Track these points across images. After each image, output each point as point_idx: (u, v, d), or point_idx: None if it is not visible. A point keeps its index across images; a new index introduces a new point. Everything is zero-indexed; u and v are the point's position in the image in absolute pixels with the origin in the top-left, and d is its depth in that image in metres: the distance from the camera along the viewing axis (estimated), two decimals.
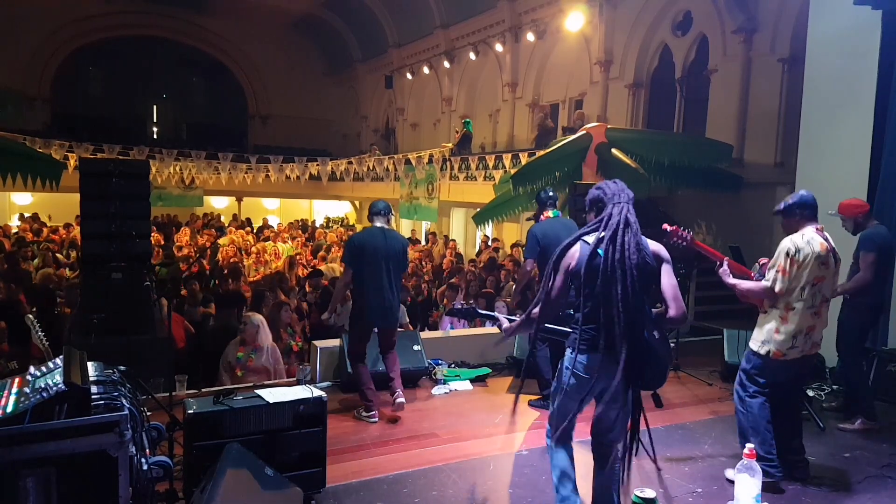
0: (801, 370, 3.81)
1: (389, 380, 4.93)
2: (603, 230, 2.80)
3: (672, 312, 2.81)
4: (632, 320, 2.69)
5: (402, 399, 4.84)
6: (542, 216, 5.19)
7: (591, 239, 2.84)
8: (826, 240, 3.70)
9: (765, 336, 3.70)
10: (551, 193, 5.26)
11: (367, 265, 4.70)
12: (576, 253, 2.83)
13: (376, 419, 4.71)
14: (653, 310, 2.88)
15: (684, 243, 3.79)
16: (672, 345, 6.52)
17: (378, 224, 4.86)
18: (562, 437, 3.01)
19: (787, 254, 3.61)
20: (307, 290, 8.37)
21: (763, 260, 3.91)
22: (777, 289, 3.63)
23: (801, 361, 3.72)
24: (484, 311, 3.64)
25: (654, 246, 2.89)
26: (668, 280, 2.84)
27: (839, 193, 5.04)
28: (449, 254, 12.85)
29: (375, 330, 4.93)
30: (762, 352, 3.70)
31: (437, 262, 12.25)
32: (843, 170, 6.05)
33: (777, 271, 3.64)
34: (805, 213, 3.74)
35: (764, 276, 3.72)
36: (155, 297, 5.75)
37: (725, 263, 3.86)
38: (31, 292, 7.42)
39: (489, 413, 4.98)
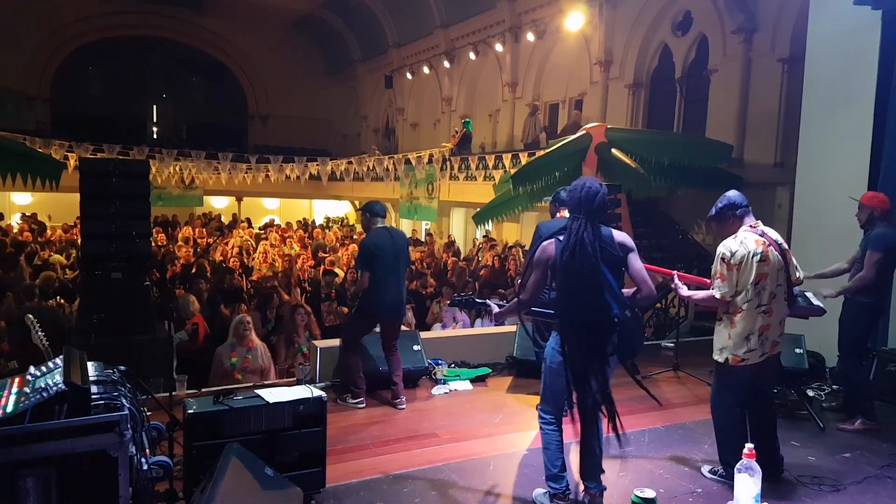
0: (765, 373, 3.74)
1: (392, 383, 5.01)
2: (563, 244, 3.16)
3: (643, 292, 3.23)
4: (592, 313, 3.10)
5: (403, 406, 4.97)
6: (557, 214, 5.18)
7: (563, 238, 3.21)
8: (763, 235, 3.62)
9: (720, 343, 3.68)
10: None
11: (381, 265, 4.88)
12: (552, 251, 3.21)
13: (363, 405, 4.89)
14: (624, 291, 3.25)
15: None
16: (672, 345, 6.54)
17: (381, 225, 5.05)
18: (555, 416, 3.36)
19: (723, 259, 3.60)
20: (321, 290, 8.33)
21: None
22: (718, 295, 3.61)
23: (764, 364, 3.65)
24: (480, 300, 3.95)
25: (619, 237, 3.26)
26: (635, 266, 3.24)
27: (839, 193, 5.05)
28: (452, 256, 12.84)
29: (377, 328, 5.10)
30: (721, 360, 3.68)
31: (439, 261, 12.27)
32: (843, 170, 6.04)
33: (717, 278, 3.62)
34: (737, 212, 3.71)
35: None
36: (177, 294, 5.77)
37: (676, 277, 3.93)
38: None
39: (489, 413, 4.98)
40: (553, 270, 3.21)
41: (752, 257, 3.54)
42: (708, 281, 3.91)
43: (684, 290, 3.87)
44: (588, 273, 3.07)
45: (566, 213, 5.07)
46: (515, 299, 3.40)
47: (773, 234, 3.69)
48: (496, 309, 3.62)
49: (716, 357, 3.73)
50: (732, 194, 3.78)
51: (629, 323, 3.19)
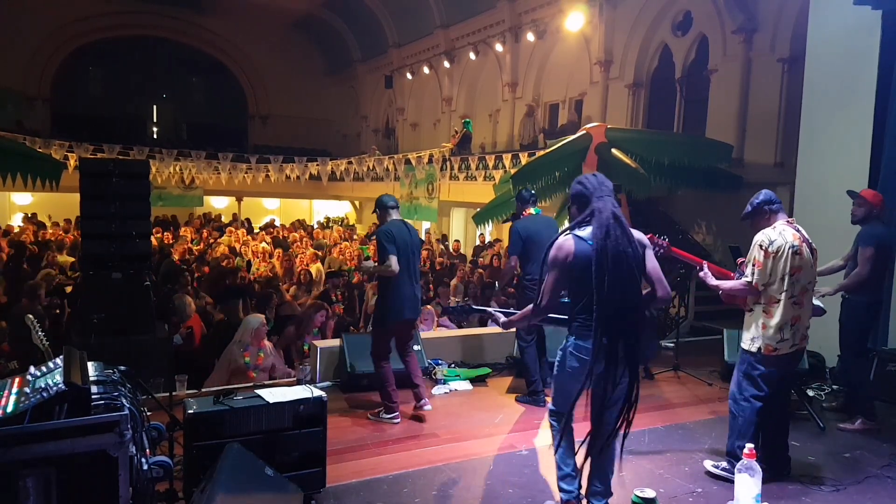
0: (793, 365, 3.82)
1: (414, 385, 4.82)
2: (595, 226, 2.91)
3: (660, 293, 3.03)
4: (628, 307, 2.85)
5: (429, 407, 4.81)
6: (523, 213, 5.26)
7: (582, 233, 2.96)
8: (798, 230, 3.72)
9: (753, 333, 3.72)
10: (533, 192, 5.44)
11: (400, 259, 4.58)
12: (571, 247, 2.95)
13: (398, 420, 4.67)
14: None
15: (661, 251, 4.00)
16: (672, 345, 6.54)
17: (396, 217, 4.77)
18: (566, 423, 3.13)
19: (761, 246, 3.65)
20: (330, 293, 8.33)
21: (741, 260, 3.94)
22: (754, 281, 3.65)
23: (793, 355, 3.73)
24: (479, 307, 3.68)
25: (636, 233, 3.06)
26: (651, 264, 3.06)
27: (839, 193, 5.05)
28: (451, 255, 12.83)
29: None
30: (753, 349, 3.71)
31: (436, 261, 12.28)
32: (844, 170, 6.04)
33: (752, 265, 3.67)
34: (773, 207, 3.78)
35: (743, 275, 3.75)
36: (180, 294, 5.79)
37: (706, 266, 3.95)
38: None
39: (489, 413, 4.98)
40: (572, 269, 2.93)
41: (789, 248, 3.61)
42: (732, 273, 3.94)
43: (712, 280, 3.89)
44: (627, 254, 2.84)
45: (532, 211, 5.27)
46: (530, 306, 3.14)
47: (805, 234, 3.78)
48: (502, 317, 3.38)
49: (745, 346, 3.76)
50: (766, 191, 3.86)
51: (646, 325, 3.02)
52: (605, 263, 2.82)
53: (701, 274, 3.95)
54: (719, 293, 3.92)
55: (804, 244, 3.69)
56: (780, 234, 3.65)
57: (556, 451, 3.20)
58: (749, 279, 3.68)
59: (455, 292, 8.96)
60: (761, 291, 3.66)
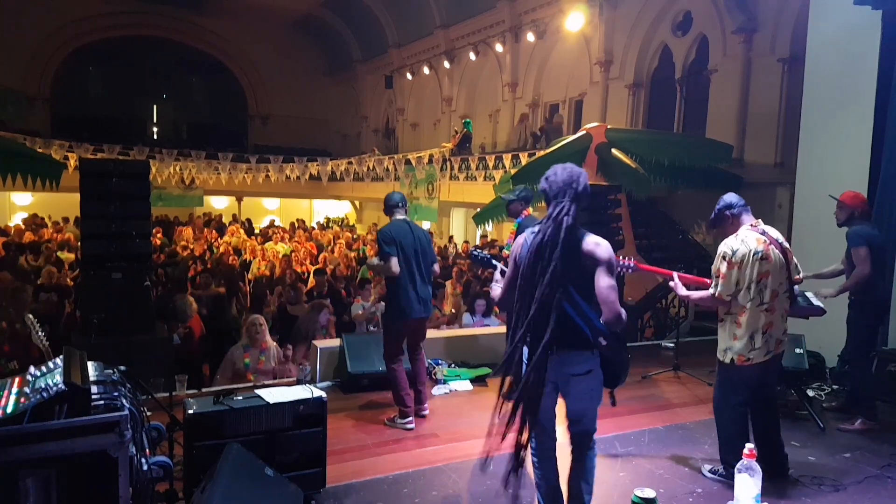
0: (770, 372, 3.76)
1: (416, 389, 4.78)
2: (540, 232, 2.80)
3: (604, 316, 2.71)
4: (547, 311, 2.69)
5: (426, 412, 4.78)
6: (524, 213, 5.27)
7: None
8: (764, 233, 3.65)
9: (725, 343, 3.69)
10: (531, 192, 5.46)
11: (401, 259, 4.56)
12: (522, 244, 2.89)
13: (413, 426, 4.60)
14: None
15: (629, 271, 4.02)
16: (672, 345, 6.53)
17: (400, 217, 4.73)
18: (547, 445, 3.02)
19: (724, 257, 3.61)
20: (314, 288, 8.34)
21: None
22: (717, 293, 3.61)
23: (769, 363, 3.67)
24: (496, 262, 3.70)
25: (589, 246, 2.76)
26: (599, 282, 2.73)
27: (839, 193, 5.06)
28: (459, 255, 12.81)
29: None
30: (727, 360, 3.68)
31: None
32: (844, 170, 6.04)
33: (717, 276, 3.63)
34: (734, 211, 3.72)
35: None
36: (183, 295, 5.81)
37: (676, 277, 3.92)
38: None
39: (489, 413, 4.96)
40: (517, 267, 2.85)
41: (753, 255, 3.56)
42: (708, 281, 3.92)
43: (682, 290, 3.87)
44: (554, 263, 2.67)
45: (531, 211, 5.23)
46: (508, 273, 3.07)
47: (774, 233, 3.72)
48: (498, 275, 3.38)
49: (720, 357, 3.74)
50: (727, 196, 3.82)
51: (604, 352, 2.78)
52: (528, 267, 2.75)
53: (671, 284, 3.92)
54: (688, 302, 3.89)
55: (772, 247, 3.61)
56: (742, 241, 3.59)
57: (537, 489, 3.03)
58: (712, 291, 3.65)
59: (447, 298, 8.80)
60: (729, 301, 3.62)
